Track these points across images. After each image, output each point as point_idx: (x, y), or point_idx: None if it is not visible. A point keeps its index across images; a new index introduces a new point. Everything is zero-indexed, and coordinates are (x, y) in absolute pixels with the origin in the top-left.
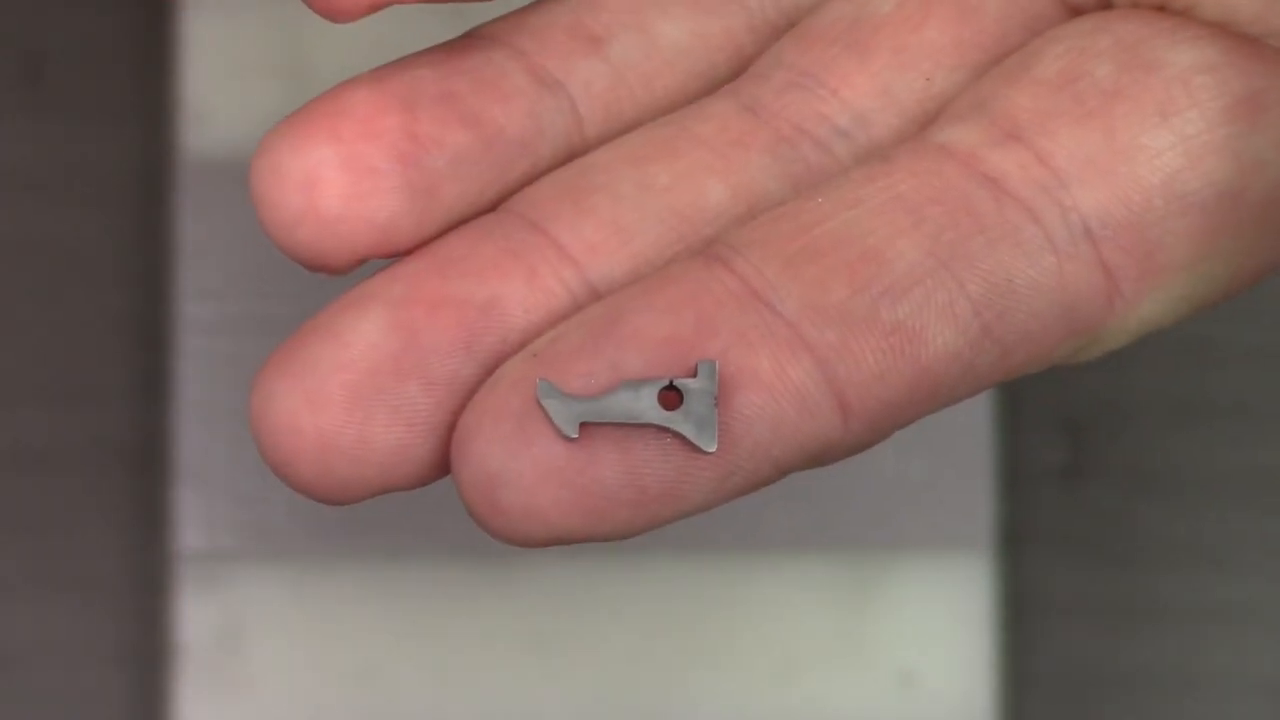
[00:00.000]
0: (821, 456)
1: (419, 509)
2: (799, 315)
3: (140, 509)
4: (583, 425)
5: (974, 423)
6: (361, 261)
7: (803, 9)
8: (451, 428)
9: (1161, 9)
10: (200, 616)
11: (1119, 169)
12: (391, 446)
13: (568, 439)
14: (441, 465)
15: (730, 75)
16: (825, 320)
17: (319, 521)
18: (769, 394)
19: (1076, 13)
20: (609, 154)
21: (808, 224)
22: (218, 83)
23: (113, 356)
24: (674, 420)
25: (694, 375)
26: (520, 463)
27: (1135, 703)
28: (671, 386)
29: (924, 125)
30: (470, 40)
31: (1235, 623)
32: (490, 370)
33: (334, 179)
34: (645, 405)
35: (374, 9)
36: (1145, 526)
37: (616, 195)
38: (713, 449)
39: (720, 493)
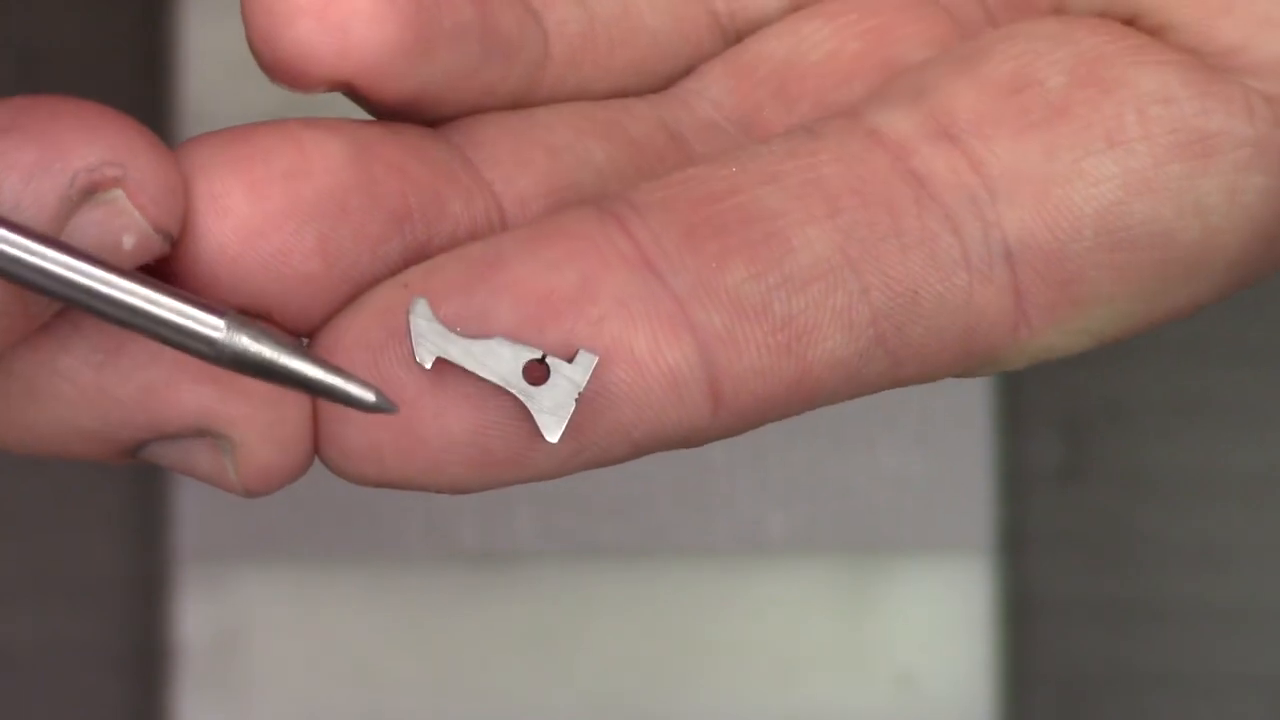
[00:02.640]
0: (682, 442)
1: (419, 511)
2: (689, 293)
3: (140, 510)
4: (439, 361)
5: (974, 424)
6: (336, 85)
7: (751, 16)
8: (358, 291)
9: (1132, 23)
10: (199, 618)
11: (1053, 191)
12: (304, 273)
13: (421, 369)
14: (330, 311)
15: (680, 70)
16: (715, 303)
17: (318, 524)
18: (640, 373)
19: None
20: (553, 116)
21: (717, 193)
22: (218, 83)
23: None
24: (530, 395)
25: (571, 358)
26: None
27: (1135, 703)
28: (543, 360)
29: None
30: None
31: (1235, 623)
32: (406, 264)
33: None
34: (509, 370)
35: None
36: (1145, 526)
37: (556, 156)
38: (555, 440)
39: (569, 465)
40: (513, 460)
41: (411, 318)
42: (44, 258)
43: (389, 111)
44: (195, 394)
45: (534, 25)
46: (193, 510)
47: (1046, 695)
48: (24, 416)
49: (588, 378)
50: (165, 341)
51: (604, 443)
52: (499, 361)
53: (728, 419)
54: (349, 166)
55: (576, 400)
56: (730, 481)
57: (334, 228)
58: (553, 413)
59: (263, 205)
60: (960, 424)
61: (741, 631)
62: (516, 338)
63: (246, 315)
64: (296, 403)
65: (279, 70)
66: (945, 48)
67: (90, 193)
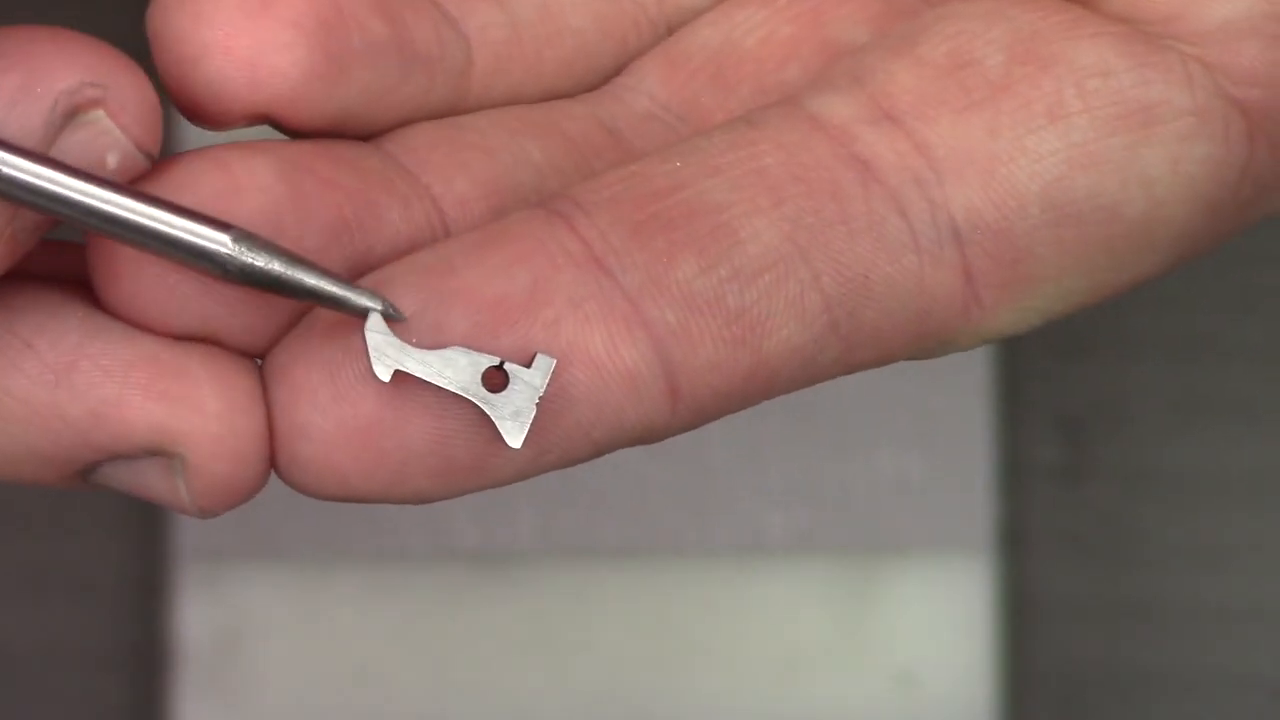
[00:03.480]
0: (641, 439)
1: (419, 511)
2: (641, 290)
3: (140, 509)
4: (397, 374)
5: (973, 423)
6: (254, 119)
7: (683, 11)
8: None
9: None
10: (199, 618)
11: (997, 170)
12: (244, 293)
13: (379, 383)
14: (278, 329)
15: (611, 68)
16: (668, 299)
17: (318, 524)
18: (598, 374)
19: None
20: (486, 120)
21: (662, 189)
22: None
23: None
24: (491, 403)
25: (529, 362)
26: (327, 419)
27: (1135, 703)
28: (500, 367)
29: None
30: None
31: (1235, 623)
32: (347, 276)
33: (254, 19)
34: (468, 378)
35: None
36: (1145, 526)
37: (492, 156)
38: (517, 446)
39: (531, 469)
40: (475, 467)
41: (367, 333)
42: (48, 178)
43: (314, 136)
44: (146, 411)
45: (453, 34)
46: None
47: (1046, 695)
48: None
49: (546, 381)
50: (171, 258)
51: (565, 444)
52: (457, 371)
53: (685, 414)
54: (279, 184)
55: (537, 404)
56: (730, 481)
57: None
58: (514, 419)
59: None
60: (960, 424)
61: (742, 631)
62: (472, 345)
63: (251, 234)
64: (248, 417)
65: (195, 111)
66: (879, 27)
67: (73, 115)
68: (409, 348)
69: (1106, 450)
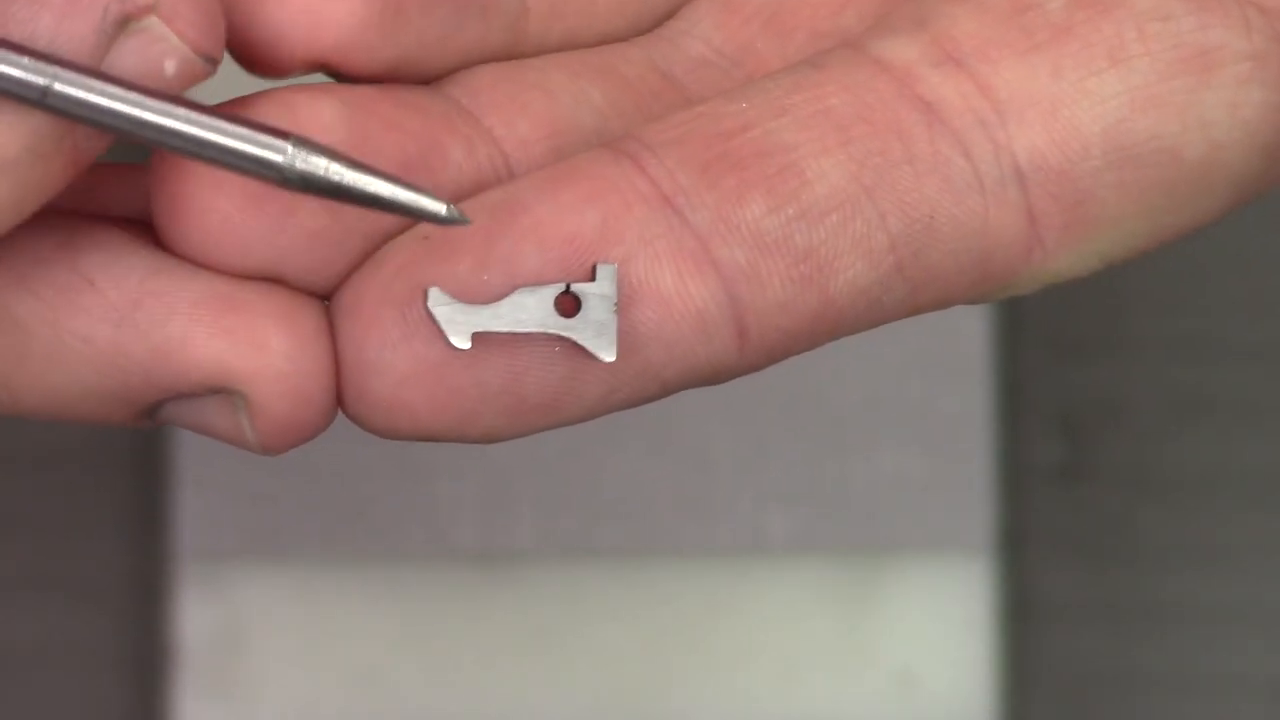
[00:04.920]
0: (710, 379)
1: (419, 511)
2: (710, 229)
3: (140, 509)
4: (475, 335)
5: (974, 424)
6: (312, 67)
7: None
8: (370, 246)
9: None
10: (199, 618)
11: (1060, 112)
12: (311, 230)
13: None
14: (345, 267)
15: (664, 11)
16: (736, 238)
17: (319, 523)
18: (669, 312)
19: None
20: (545, 62)
21: (729, 130)
22: (217, 82)
23: None
24: (572, 328)
25: (591, 279)
26: (398, 356)
27: (1135, 703)
28: (569, 291)
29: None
30: None
31: (1235, 623)
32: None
33: None
34: (543, 311)
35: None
36: (1145, 526)
37: (553, 97)
38: (612, 358)
39: (600, 408)
40: (547, 405)
41: (432, 308)
42: (101, 92)
43: (372, 82)
44: (210, 349)
45: None
46: (193, 510)
47: (1046, 695)
48: (43, 380)
49: (615, 286)
50: (229, 167)
51: (635, 383)
52: (529, 311)
53: (753, 354)
54: (343, 125)
55: (615, 312)
56: (730, 481)
57: None
58: (598, 334)
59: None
60: (960, 424)
61: (741, 631)
62: (540, 280)
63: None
64: (314, 355)
65: (254, 60)
66: None
67: (125, 23)
68: (477, 308)
69: (1106, 450)
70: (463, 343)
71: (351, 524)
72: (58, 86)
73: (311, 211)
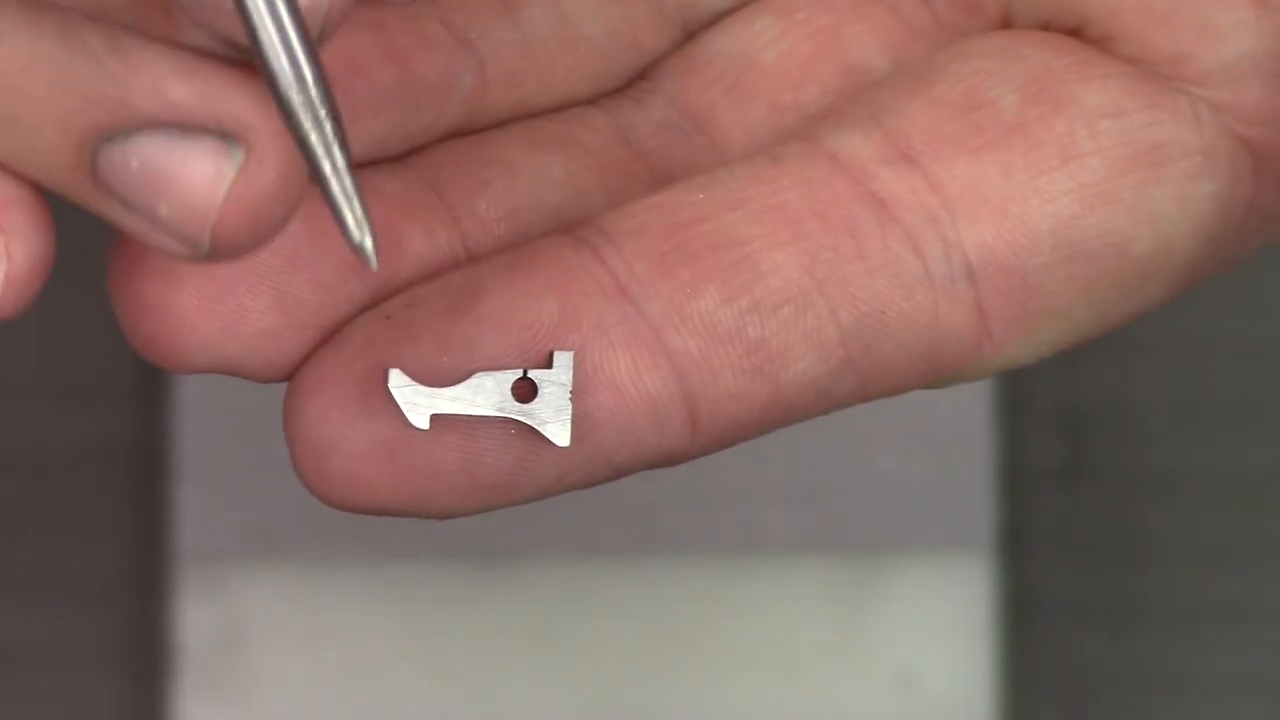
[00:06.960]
0: (661, 464)
1: None
2: (664, 319)
3: (140, 509)
4: (434, 417)
5: (974, 423)
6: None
7: (700, 13)
8: (323, 336)
9: (1076, 33)
10: (199, 618)
11: (1010, 209)
12: (263, 329)
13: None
14: (295, 362)
15: (627, 70)
16: (690, 329)
17: (319, 523)
18: (622, 400)
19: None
20: (505, 135)
21: (686, 221)
22: None
23: (113, 356)
24: (528, 413)
25: (548, 365)
26: (358, 434)
27: (1135, 703)
28: (526, 377)
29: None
30: None
31: (1235, 623)
32: (372, 301)
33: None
34: (500, 395)
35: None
36: (1145, 526)
37: (513, 174)
38: (566, 443)
39: (553, 489)
40: (501, 485)
41: (393, 389)
42: None
43: None
44: (212, 79)
45: (465, 58)
46: (193, 510)
47: (1046, 695)
48: None
49: (571, 374)
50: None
51: (587, 467)
52: (487, 394)
53: (704, 441)
54: (297, 222)
55: (570, 399)
56: (730, 481)
57: (288, 280)
58: (554, 419)
59: (215, 268)
60: (960, 424)
61: (741, 631)
62: (499, 365)
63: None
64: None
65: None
66: (895, 48)
67: None
68: (436, 390)
69: (1106, 450)
70: (422, 423)
71: (351, 524)
72: None
73: (264, 310)
